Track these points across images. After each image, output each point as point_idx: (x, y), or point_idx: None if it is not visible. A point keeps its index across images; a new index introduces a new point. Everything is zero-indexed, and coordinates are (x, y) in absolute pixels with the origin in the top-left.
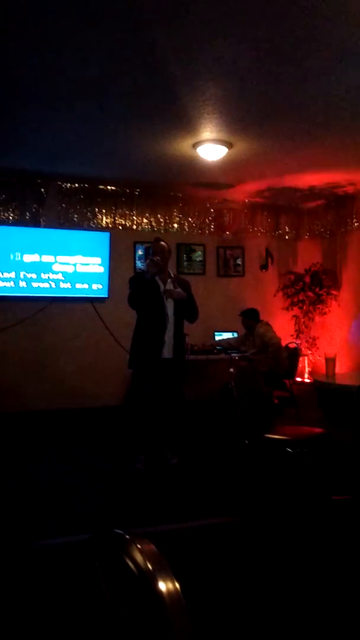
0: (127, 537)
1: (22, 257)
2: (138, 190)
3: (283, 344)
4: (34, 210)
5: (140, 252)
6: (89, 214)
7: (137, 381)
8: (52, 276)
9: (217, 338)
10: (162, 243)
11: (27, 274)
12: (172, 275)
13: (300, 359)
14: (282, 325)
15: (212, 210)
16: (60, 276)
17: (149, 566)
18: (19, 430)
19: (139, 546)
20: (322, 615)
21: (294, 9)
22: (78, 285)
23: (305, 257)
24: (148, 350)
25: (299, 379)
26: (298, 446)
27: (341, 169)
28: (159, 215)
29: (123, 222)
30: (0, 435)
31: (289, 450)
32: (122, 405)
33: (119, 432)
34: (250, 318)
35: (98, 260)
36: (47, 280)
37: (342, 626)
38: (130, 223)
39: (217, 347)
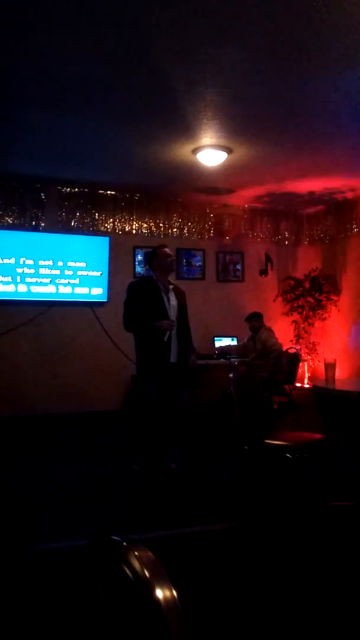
0: (125, 544)
1: (21, 261)
2: (138, 195)
3: (283, 349)
4: (33, 214)
5: (140, 257)
6: (88, 218)
7: (141, 385)
8: (51, 280)
9: (216, 343)
10: (168, 250)
11: (26, 278)
12: (172, 283)
13: (300, 364)
14: (282, 331)
15: (211, 215)
16: (59, 280)
17: (146, 573)
18: (17, 434)
19: (136, 553)
20: (322, 623)
21: (293, 15)
22: (77, 290)
23: (304, 263)
24: (157, 355)
25: (298, 385)
26: (297, 452)
27: (341, 175)
28: (158, 220)
29: (123, 227)
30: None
31: (289, 455)
32: (122, 409)
33: (118, 436)
34: (259, 320)
35: (97, 264)
36: (47, 284)
37: (342, 633)
38: (130, 228)
39: (222, 355)
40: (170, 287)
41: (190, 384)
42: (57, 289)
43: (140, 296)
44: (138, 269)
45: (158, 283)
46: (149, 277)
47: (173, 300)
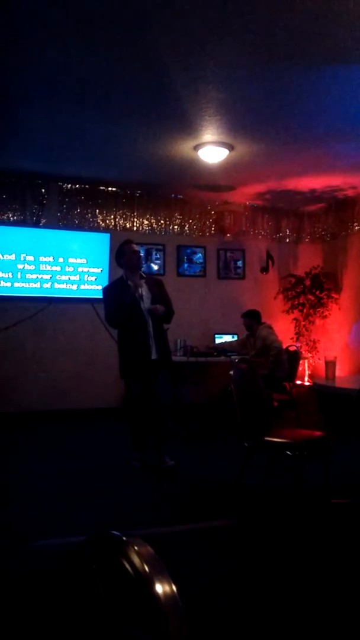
0: (124, 539)
1: (22, 257)
2: (139, 191)
3: (283, 346)
4: (34, 210)
5: (140, 254)
6: (89, 215)
7: (126, 386)
8: (51, 277)
9: (217, 340)
10: (134, 246)
11: (26, 275)
12: (144, 275)
13: (301, 362)
14: (283, 328)
15: (212, 212)
16: (60, 277)
17: (146, 568)
18: (17, 431)
19: (136, 548)
20: (321, 620)
21: (293, 12)
22: (77, 286)
23: (305, 260)
24: (138, 354)
25: (299, 382)
26: (297, 449)
27: (342, 172)
28: (159, 217)
29: (124, 224)
30: None
31: (289, 453)
32: (121, 406)
33: (117, 433)
34: (252, 319)
35: (98, 261)
36: (47, 280)
37: (342, 630)
38: (130, 224)
39: (216, 351)
40: (142, 280)
41: (190, 381)
42: (58, 285)
43: (115, 297)
44: None
45: (128, 281)
46: (120, 277)
47: (146, 295)
